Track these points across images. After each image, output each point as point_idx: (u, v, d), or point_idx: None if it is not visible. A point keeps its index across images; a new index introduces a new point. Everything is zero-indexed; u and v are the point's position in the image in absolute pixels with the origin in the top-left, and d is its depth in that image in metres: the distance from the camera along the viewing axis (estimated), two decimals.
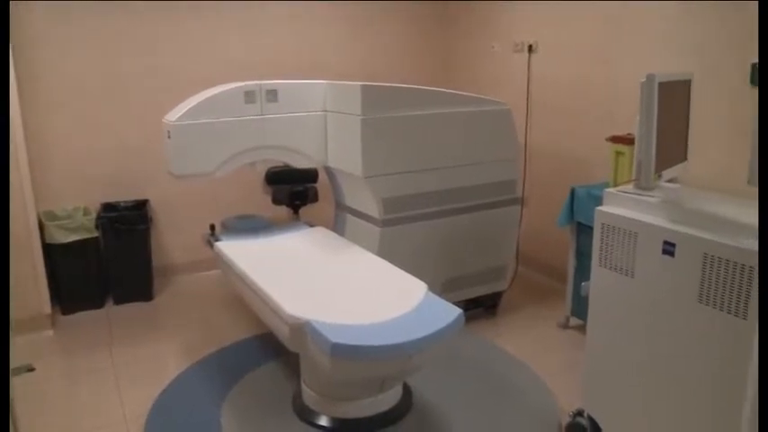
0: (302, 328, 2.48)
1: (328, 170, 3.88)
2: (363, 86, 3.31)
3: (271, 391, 3.12)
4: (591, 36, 4.14)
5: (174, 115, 3.32)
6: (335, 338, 2.30)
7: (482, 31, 5.10)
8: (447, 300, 2.75)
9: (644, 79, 2.17)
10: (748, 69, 3.29)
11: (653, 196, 2.26)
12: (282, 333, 2.64)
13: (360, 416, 2.78)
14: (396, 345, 2.34)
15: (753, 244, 1.91)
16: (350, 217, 3.85)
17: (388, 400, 2.85)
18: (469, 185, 3.73)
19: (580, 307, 3.66)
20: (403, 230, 3.56)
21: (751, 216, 1.99)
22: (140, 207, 4.45)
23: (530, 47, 4.61)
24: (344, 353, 2.31)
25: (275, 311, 2.65)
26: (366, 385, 2.74)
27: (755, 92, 1.88)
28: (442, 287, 3.71)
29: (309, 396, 2.87)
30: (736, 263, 1.93)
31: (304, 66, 4.88)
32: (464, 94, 3.73)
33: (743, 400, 1.94)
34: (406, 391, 3.02)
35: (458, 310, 2.58)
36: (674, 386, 2.19)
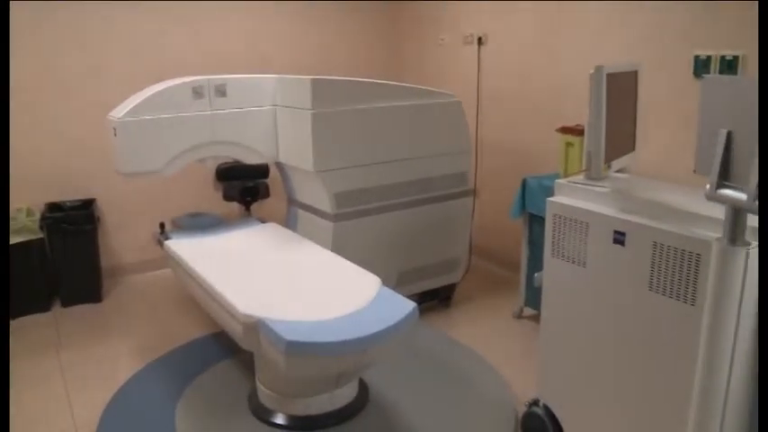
0: (255, 327, 2.45)
1: (279, 165, 3.84)
2: (313, 80, 3.28)
3: (226, 390, 3.08)
4: (540, 28, 4.17)
5: (119, 112, 3.25)
6: (289, 336, 2.27)
7: (432, 24, 5.10)
8: (402, 293, 2.74)
9: (593, 71, 2.19)
10: (692, 61, 3.35)
11: (603, 186, 2.28)
12: (236, 332, 2.61)
13: (316, 412, 2.77)
14: (350, 340, 2.32)
15: (699, 232, 1.94)
16: (302, 212, 3.82)
17: (344, 395, 2.83)
18: (422, 178, 3.73)
19: (533, 297, 3.69)
20: (356, 225, 3.54)
21: (697, 204, 2.02)
22: (87, 206, 4.35)
23: (479, 39, 4.63)
24: (299, 350, 2.29)
25: (228, 310, 2.61)
26: (322, 382, 2.72)
27: (699, 83, 1.91)
28: (396, 280, 3.71)
29: (265, 394, 2.84)
30: (684, 250, 1.95)
31: (253, 60, 4.82)
32: (414, 86, 3.73)
33: (693, 384, 1.98)
34: (363, 386, 3.01)
35: (412, 304, 2.57)
36: (627, 373, 2.22)
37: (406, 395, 3.04)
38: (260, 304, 2.55)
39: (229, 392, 3.05)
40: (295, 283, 2.87)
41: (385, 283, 2.81)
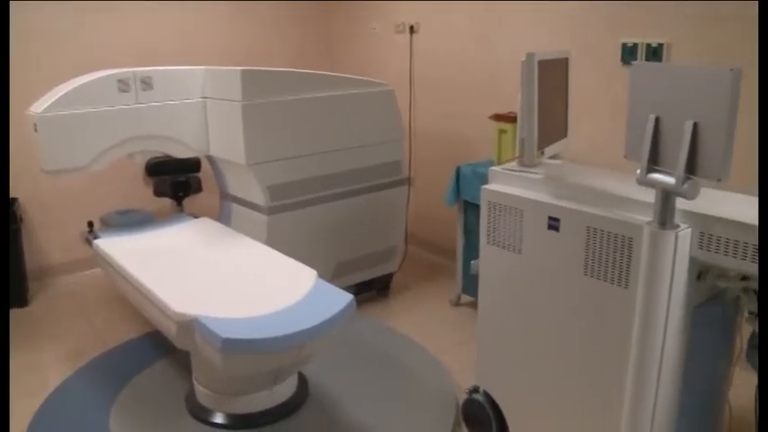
0: (190, 325, 2.39)
1: (211, 159, 3.76)
2: (243, 71, 3.22)
3: (162, 391, 3.00)
4: (471, 16, 4.19)
5: (39, 106, 3.12)
6: (225, 333, 2.23)
7: (363, 13, 5.07)
8: (339, 284, 2.72)
9: (524, 58, 2.20)
10: (619, 48, 3.42)
11: (536, 173, 2.30)
12: (170, 331, 2.54)
13: (256, 410, 2.73)
14: (288, 335, 2.29)
15: (631, 216, 1.97)
16: (235, 206, 3.75)
17: (283, 391, 2.80)
18: (356, 168, 3.71)
19: (471, 284, 3.71)
20: (290, 217, 3.50)
21: (629, 189, 2.05)
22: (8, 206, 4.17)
23: (411, 28, 4.62)
24: (236, 347, 2.24)
25: (161, 309, 2.54)
26: (260, 378, 2.67)
27: (627, 70, 1.94)
28: (333, 272, 3.68)
29: (202, 394, 2.78)
30: (617, 234, 1.98)
31: (180, 52, 4.70)
32: (346, 76, 3.70)
33: (628, 364, 2.02)
34: (302, 380, 2.98)
35: (349, 296, 2.55)
36: (564, 356, 2.25)
37: (346, 387, 3.03)
38: (194, 302, 2.49)
39: (166, 393, 2.98)
40: (230, 280, 2.82)
41: (321, 275, 2.78)
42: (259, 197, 3.43)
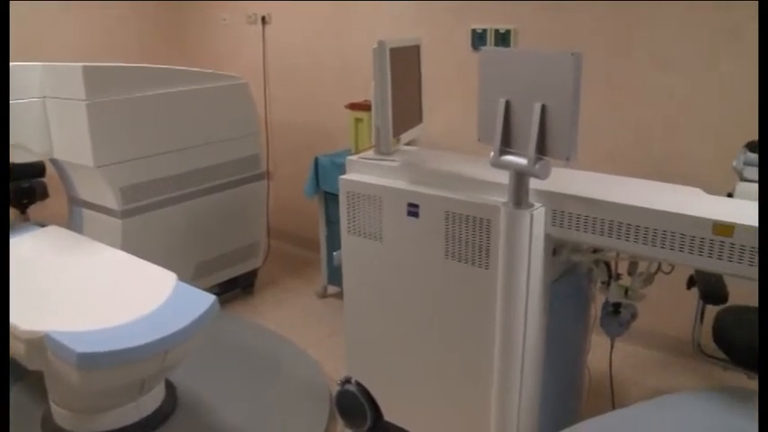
0: (40, 343, 2.22)
1: (55, 162, 3.53)
2: (85, 67, 3.03)
3: (15, 417, 2.78)
4: (323, 5, 4.16)
5: None
6: (80, 348, 2.09)
7: (214, 4, 4.90)
8: (201, 285, 2.64)
9: (376, 46, 2.20)
10: (470, 34, 3.50)
11: (393, 160, 2.31)
12: (18, 351, 2.35)
13: (121, 425, 2.58)
14: (148, 343, 2.18)
15: (487, 198, 2.02)
16: (86, 211, 3.54)
17: (150, 402, 2.67)
18: (212, 165, 3.60)
19: (336, 275, 3.71)
20: (146, 219, 3.34)
21: (484, 172, 2.10)
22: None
23: (263, 18, 4.52)
24: (93, 362, 2.11)
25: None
26: (124, 391, 2.54)
27: (477, 55, 1.99)
28: (194, 273, 3.57)
29: (61, 415, 2.60)
30: (474, 217, 2.02)
31: (20, 48, 4.37)
32: (198, 70, 3.57)
33: (493, 342, 2.07)
34: (170, 388, 2.86)
35: (211, 297, 2.47)
36: (432, 340, 2.28)
37: (217, 390, 2.94)
38: (43, 317, 2.32)
39: (20, 419, 2.76)
40: (83, 290, 2.65)
41: (182, 277, 2.68)
42: (111, 200, 3.26)
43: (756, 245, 1.63)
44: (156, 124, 3.32)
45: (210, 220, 3.65)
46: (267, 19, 4.52)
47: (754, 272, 1.65)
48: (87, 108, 3.04)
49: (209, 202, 3.62)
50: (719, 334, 2.37)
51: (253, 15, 4.59)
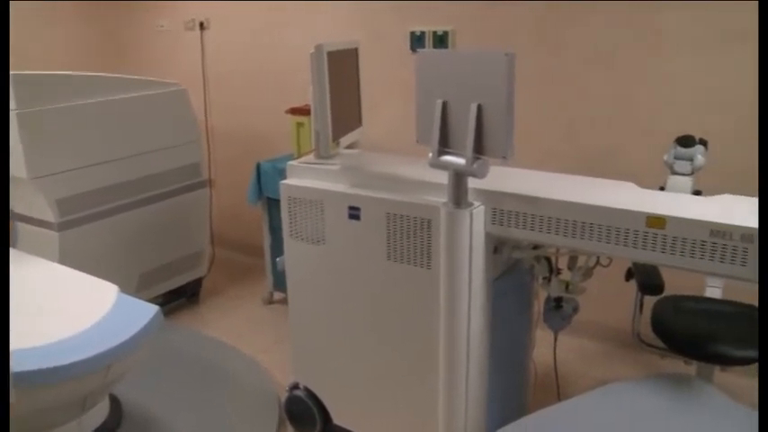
0: None
1: None
2: (14, 76, 2.95)
3: None
4: (262, 10, 4.14)
5: None
6: (17, 366, 2.03)
7: (149, 10, 4.82)
8: (145, 296, 2.59)
9: (313, 50, 2.19)
10: (408, 36, 3.52)
11: (334, 164, 2.31)
12: None
13: None
14: (90, 358, 2.13)
15: (427, 199, 2.03)
16: (21, 225, 3.45)
17: (93, 419, 2.61)
18: (152, 174, 3.54)
19: (281, 280, 3.68)
20: (85, 231, 3.27)
21: (424, 173, 2.11)
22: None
23: (201, 24, 4.48)
24: (30, 380, 2.05)
25: None
26: (65, 409, 2.47)
27: (414, 57, 2.00)
28: (138, 284, 3.50)
29: None
30: (415, 218, 2.04)
31: None
32: (135, 78, 3.52)
33: (438, 340, 2.09)
34: (114, 402, 2.80)
35: (154, 308, 2.43)
36: (377, 342, 2.29)
37: (163, 402, 2.89)
38: None
39: None
40: (19, 306, 2.58)
41: (124, 289, 2.63)
42: (47, 213, 3.18)
43: (688, 236, 1.68)
44: (93, 133, 3.25)
45: (152, 230, 3.59)
46: (205, 24, 4.48)
47: (685, 262, 1.70)
48: (18, 118, 2.97)
49: (150, 211, 3.56)
50: (657, 323, 2.43)
51: (191, 21, 4.54)
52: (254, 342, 3.42)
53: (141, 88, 3.47)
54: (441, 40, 3.42)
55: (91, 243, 3.30)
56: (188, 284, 3.90)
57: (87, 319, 2.37)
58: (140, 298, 2.59)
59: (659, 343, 2.42)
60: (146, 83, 3.53)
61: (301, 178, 2.35)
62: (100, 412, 2.66)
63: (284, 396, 2.73)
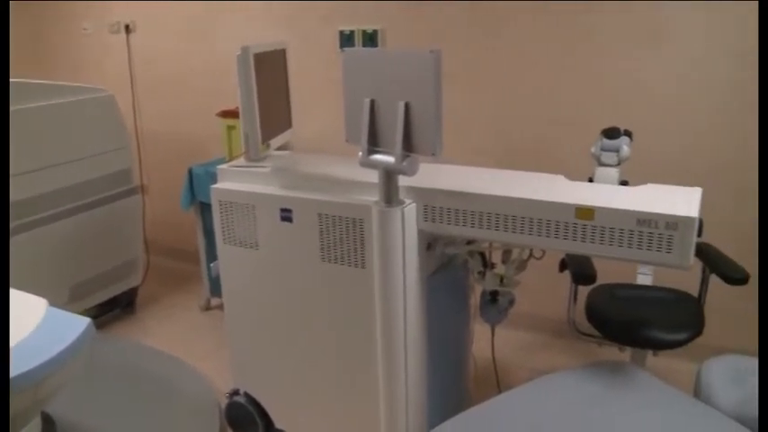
0: None
1: None
2: None
3: None
4: (189, 12, 4.06)
5: None
6: None
7: (73, 13, 4.68)
8: (77, 308, 2.52)
9: (239, 52, 2.17)
10: (338, 36, 3.51)
11: (264, 166, 2.28)
12: None
13: None
14: (18, 376, 2.06)
15: (359, 198, 2.03)
16: None
17: None
18: (81, 182, 3.44)
19: (218, 286, 3.62)
20: (12, 244, 3.17)
21: (356, 172, 2.11)
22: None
23: (127, 27, 4.37)
24: None
25: None
26: None
27: (342, 55, 2.00)
28: (69, 297, 3.41)
29: None
30: (347, 217, 2.03)
31: None
32: (58, 84, 3.41)
33: (376, 339, 2.09)
34: (47, 421, 2.72)
35: (86, 320, 2.36)
36: (315, 344, 2.28)
37: (101, 418, 2.82)
38: None
39: None
40: None
41: (56, 302, 2.54)
42: None
43: (616, 226, 1.72)
44: (16, 142, 3.14)
45: (83, 240, 3.50)
46: (131, 27, 4.37)
47: (615, 251, 1.74)
48: None
49: (80, 221, 3.47)
50: (591, 312, 2.48)
51: (116, 24, 4.43)
52: (194, 349, 3.37)
53: (66, 94, 3.37)
54: (370, 39, 3.42)
55: (18, 256, 3.20)
56: (123, 294, 3.81)
57: (14, 335, 2.29)
58: (72, 311, 2.51)
59: (594, 331, 2.47)
60: (71, 89, 3.43)
61: (232, 182, 2.32)
62: None
63: (225, 403, 2.70)
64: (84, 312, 2.45)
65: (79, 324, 2.35)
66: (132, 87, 4.48)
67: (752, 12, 2.71)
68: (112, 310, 3.78)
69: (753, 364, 2.15)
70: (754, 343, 2.93)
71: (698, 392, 2.11)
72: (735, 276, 2.25)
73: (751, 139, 2.84)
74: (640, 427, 1.72)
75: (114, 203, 3.64)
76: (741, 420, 1.84)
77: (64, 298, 3.35)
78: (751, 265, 2.37)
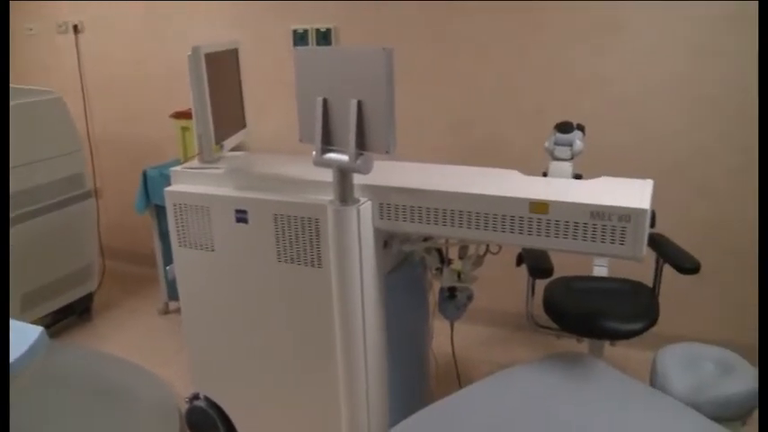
0: None
1: None
2: None
3: None
4: (140, 12, 4.00)
5: None
6: None
7: (16, 13, 4.57)
8: (30, 317, 2.47)
9: (190, 52, 2.14)
10: (291, 35, 3.49)
11: (218, 168, 2.26)
12: None
13: None
14: None
15: (314, 198, 2.02)
16: None
17: None
18: (30, 187, 3.36)
19: (176, 289, 3.59)
20: None
21: (310, 172, 2.09)
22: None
23: (75, 27, 4.28)
24: None
25: None
26: None
27: (293, 54, 1.99)
28: (21, 305, 3.33)
29: None
30: (303, 217, 2.02)
31: None
32: None
33: (335, 338, 2.08)
34: None
35: (38, 329, 2.30)
36: (274, 345, 2.26)
37: (56, 430, 2.76)
38: None
39: None
40: None
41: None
42: None
43: (570, 219, 1.73)
44: None
45: (34, 247, 3.42)
46: (80, 28, 4.29)
47: (570, 244, 1.75)
48: None
49: (30, 227, 3.39)
50: (549, 305, 2.51)
51: (63, 24, 4.34)
52: (154, 354, 3.32)
53: (12, 97, 3.30)
54: (324, 38, 3.41)
55: None
56: (78, 300, 3.74)
57: None
58: (24, 320, 2.46)
59: (553, 324, 2.50)
60: (17, 91, 3.35)
61: (186, 184, 2.29)
62: None
63: (185, 407, 2.67)
64: (38, 321, 2.40)
65: (31, 334, 2.29)
66: (83, 89, 4.40)
67: (707, 6, 2.76)
68: (68, 318, 3.70)
69: (705, 350, 2.19)
70: (706, 330, 2.99)
71: (653, 380, 2.15)
72: (687, 266, 2.29)
73: (704, 132, 2.90)
74: (599, 416, 1.74)
75: (67, 208, 3.57)
76: (695, 406, 1.88)
77: (16, 307, 3.27)
78: (702, 255, 2.42)
